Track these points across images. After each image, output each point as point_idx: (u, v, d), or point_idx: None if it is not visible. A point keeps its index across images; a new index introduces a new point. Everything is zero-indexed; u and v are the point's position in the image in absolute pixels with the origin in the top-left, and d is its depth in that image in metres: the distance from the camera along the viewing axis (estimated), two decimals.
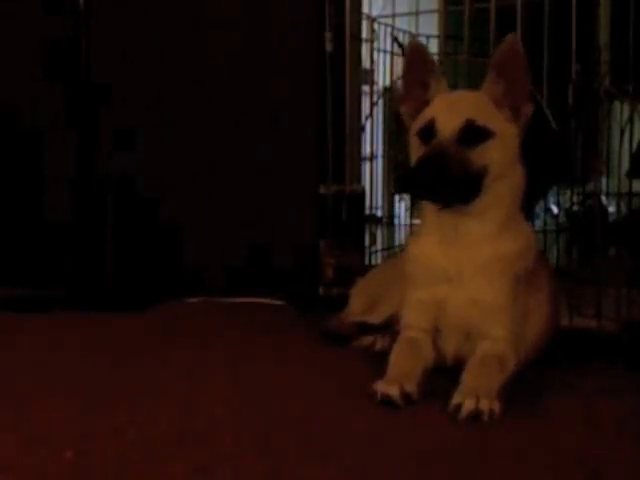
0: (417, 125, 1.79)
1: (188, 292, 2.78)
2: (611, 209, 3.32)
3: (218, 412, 1.56)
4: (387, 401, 1.58)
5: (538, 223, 3.11)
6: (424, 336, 1.80)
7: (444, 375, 1.73)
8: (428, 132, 1.73)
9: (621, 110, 2.74)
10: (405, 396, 1.58)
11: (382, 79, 3.02)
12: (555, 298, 1.95)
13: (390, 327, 2.03)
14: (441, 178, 1.66)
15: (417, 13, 2.61)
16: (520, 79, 1.74)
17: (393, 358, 1.74)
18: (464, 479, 1.28)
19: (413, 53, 1.84)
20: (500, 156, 1.73)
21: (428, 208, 1.81)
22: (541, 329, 1.86)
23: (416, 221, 3.12)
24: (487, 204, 1.74)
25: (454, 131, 1.69)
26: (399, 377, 1.64)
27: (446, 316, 1.78)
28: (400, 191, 3.96)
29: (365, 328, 2.10)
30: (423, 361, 1.75)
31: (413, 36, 2.69)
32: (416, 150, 1.77)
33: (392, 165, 3.33)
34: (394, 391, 1.58)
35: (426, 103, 1.81)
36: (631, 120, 2.65)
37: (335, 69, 2.70)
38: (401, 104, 1.85)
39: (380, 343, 2.06)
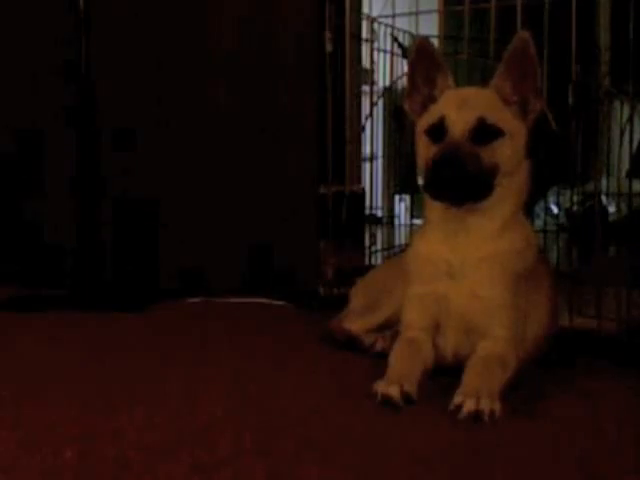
0: (424, 122, 1.77)
1: (188, 292, 2.78)
2: (611, 209, 3.33)
3: (218, 412, 1.56)
4: (387, 401, 1.57)
5: (538, 223, 3.12)
6: (424, 336, 1.80)
7: (444, 375, 1.73)
8: (438, 130, 1.72)
9: (621, 110, 2.75)
10: (405, 396, 1.58)
11: (382, 79, 3.02)
12: (555, 298, 1.95)
13: (390, 327, 2.03)
14: (458, 177, 1.66)
15: (417, 13, 2.60)
16: (531, 75, 1.73)
17: (393, 358, 1.74)
18: (464, 479, 1.28)
19: (420, 49, 1.81)
20: (510, 154, 1.73)
21: (432, 205, 1.80)
22: (541, 329, 1.85)
23: (416, 221, 3.13)
24: (494, 201, 1.74)
25: (466, 129, 1.69)
26: (399, 377, 1.63)
27: (447, 312, 1.78)
28: (406, 192, 3.96)
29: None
30: (423, 361, 1.74)
31: (413, 36, 2.69)
32: (424, 148, 1.76)
33: (393, 165, 3.33)
34: (394, 391, 1.58)
35: (432, 99, 1.80)
36: (631, 120, 2.66)
37: (335, 69, 2.70)
38: (406, 100, 1.84)
39: (380, 343, 2.05)
